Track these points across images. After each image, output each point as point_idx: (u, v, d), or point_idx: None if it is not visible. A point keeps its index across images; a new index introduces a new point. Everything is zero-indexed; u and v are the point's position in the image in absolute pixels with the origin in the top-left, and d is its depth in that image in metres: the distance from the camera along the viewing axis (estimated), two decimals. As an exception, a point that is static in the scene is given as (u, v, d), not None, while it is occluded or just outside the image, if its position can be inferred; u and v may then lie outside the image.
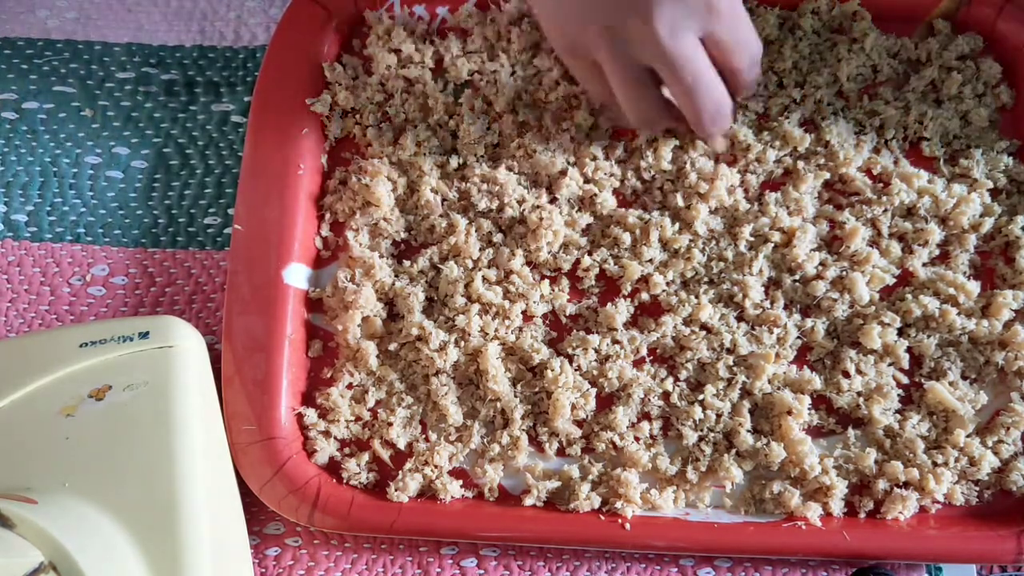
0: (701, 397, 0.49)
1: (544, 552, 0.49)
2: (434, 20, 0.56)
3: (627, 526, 0.47)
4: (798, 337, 0.50)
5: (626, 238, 0.51)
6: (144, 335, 0.47)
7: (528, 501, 0.48)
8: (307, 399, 0.50)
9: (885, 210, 0.52)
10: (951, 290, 0.50)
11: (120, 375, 0.45)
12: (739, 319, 0.51)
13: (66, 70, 0.58)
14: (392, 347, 0.50)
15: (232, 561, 0.45)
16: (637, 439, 0.49)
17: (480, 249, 0.51)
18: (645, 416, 0.50)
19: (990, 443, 0.48)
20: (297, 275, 0.51)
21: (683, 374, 0.50)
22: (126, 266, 0.55)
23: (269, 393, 0.48)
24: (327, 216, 0.53)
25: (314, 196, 0.53)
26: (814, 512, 0.47)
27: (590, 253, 0.51)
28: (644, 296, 0.51)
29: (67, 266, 0.55)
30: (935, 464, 0.48)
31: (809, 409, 0.49)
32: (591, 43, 0.47)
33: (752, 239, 0.52)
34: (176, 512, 0.41)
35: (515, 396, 0.49)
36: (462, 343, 0.50)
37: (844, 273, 0.51)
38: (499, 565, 0.49)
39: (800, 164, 0.53)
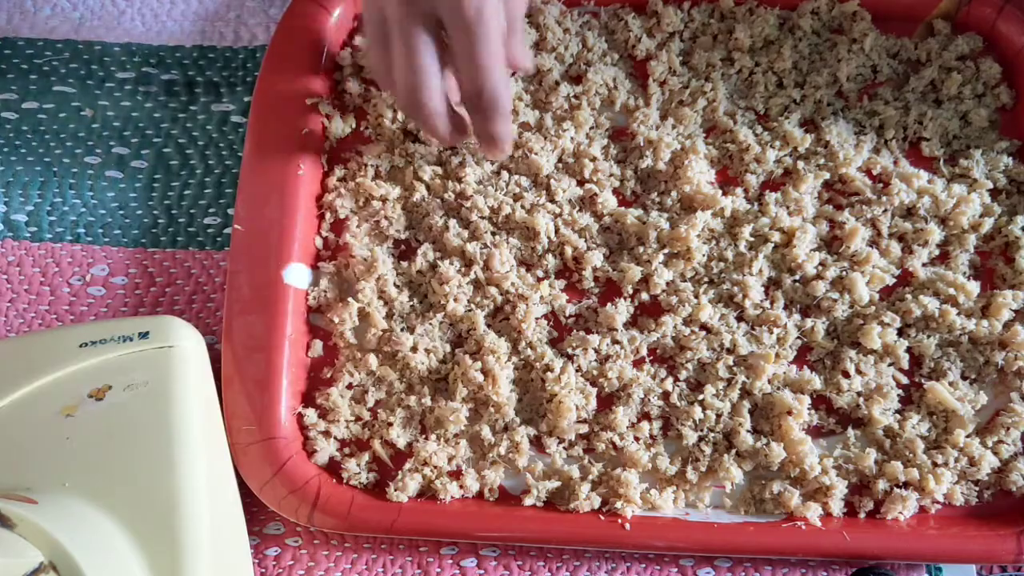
0: (701, 397, 0.49)
1: (544, 552, 0.49)
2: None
3: (627, 526, 0.47)
4: (798, 337, 0.50)
5: (625, 238, 0.52)
6: (144, 335, 0.47)
7: (528, 501, 0.48)
8: (307, 399, 0.50)
9: (885, 210, 0.52)
10: (951, 290, 0.50)
11: (120, 375, 0.45)
12: (739, 319, 0.50)
13: (66, 70, 0.58)
14: (388, 348, 0.50)
15: (232, 561, 0.45)
16: (637, 439, 0.49)
17: (478, 249, 0.51)
18: (645, 416, 0.50)
19: (990, 443, 0.48)
20: (297, 275, 0.51)
21: (683, 374, 0.50)
22: (126, 266, 0.54)
23: (269, 393, 0.48)
24: (327, 216, 0.53)
25: (314, 196, 0.53)
26: (814, 512, 0.47)
27: (589, 252, 0.51)
28: (644, 296, 0.51)
29: (67, 266, 0.55)
30: (935, 464, 0.48)
31: (809, 409, 0.49)
32: None
33: (752, 239, 0.52)
34: (176, 512, 0.41)
35: (516, 399, 0.49)
36: (461, 348, 0.50)
37: (844, 273, 0.51)
38: (499, 565, 0.49)
39: (800, 164, 0.53)
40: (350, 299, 0.51)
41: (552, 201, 0.52)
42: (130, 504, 0.41)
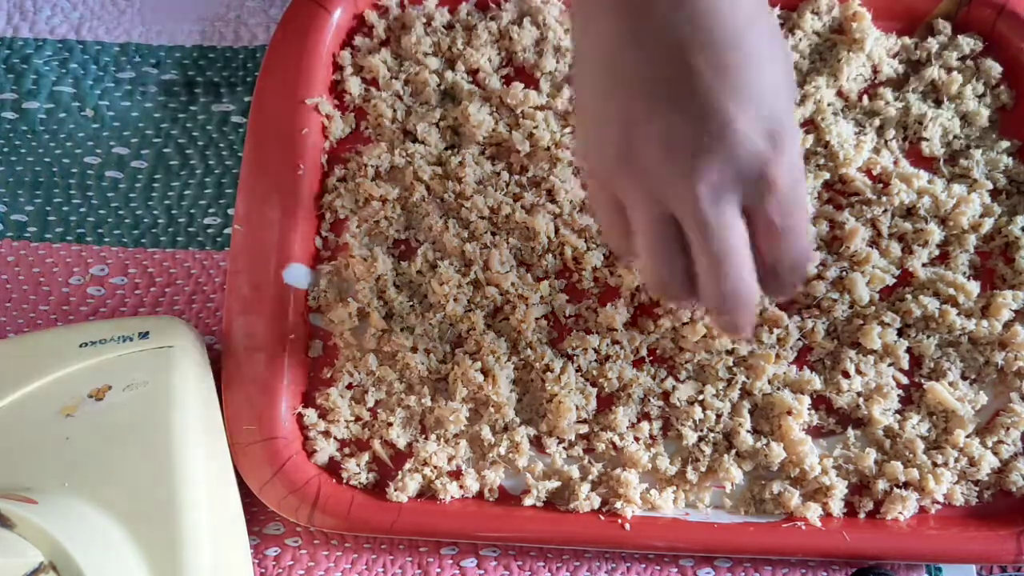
0: (701, 397, 0.49)
1: (544, 552, 0.49)
2: (432, 21, 0.56)
3: (627, 526, 0.47)
4: (799, 339, 0.50)
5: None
6: (144, 335, 0.47)
7: (528, 501, 0.48)
8: (307, 399, 0.50)
9: (885, 210, 0.52)
10: (951, 290, 0.50)
11: (120, 375, 0.45)
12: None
13: (66, 70, 0.58)
14: (388, 348, 0.50)
15: (232, 561, 0.45)
16: (637, 439, 0.49)
17: (478, 249, 0.51)
18: (645, 416, 0.50)
19: (990, 443, 0.48)
20: (297, 275, 0.51)
21: (683, 374, 0.50)
22: (125, 266, 0.54)
23: (269, 393, 0.48)
24: (327, 215, 0.53)
25: (314, 196, 0.53)
26: (814, 512, 0.47)
27: (589, 253, 0.51)
28: (643, 297, 0.51)
29: (66, 266, 0.54)
30: (935, 464, 0.48)
31: (809, 409, 0.49)
32: (622, 181, 0.40)
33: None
34: (176, 512, 0.41)
35: (516, 399, 0.49)
36: (461, 348, 0.50)
37: (844, 273, 0.51)
38: (499, 565, 0.49)
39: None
40: (349, 299, 0.51)
41: (552, 201, 0.52)
42: (130, 504, 0.41)
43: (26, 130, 0.57)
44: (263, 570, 0.49)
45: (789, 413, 0.48)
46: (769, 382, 0.49)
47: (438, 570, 0.49)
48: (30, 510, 0.38)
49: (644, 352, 0.50)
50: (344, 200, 0.53)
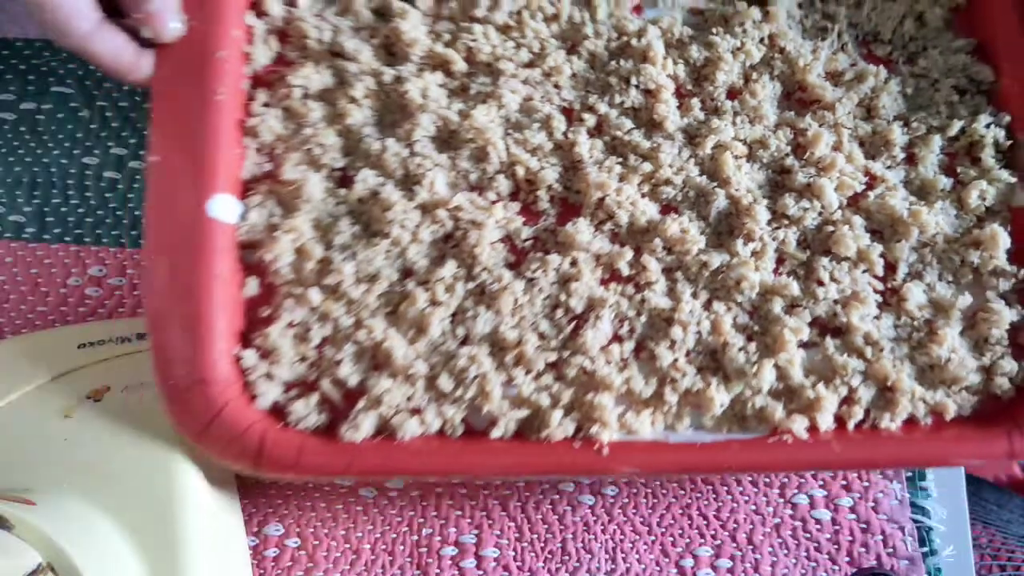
0: (676, 315, 0.45)
1: (543, 552, 0.49)
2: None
3: (604, 451, 0.43)
4: (776, 249, 0.47)
5: (581, 152, 0.48)
6: (142, 336, 0.47)
7: (495, 433, 0.44)
8: (245, 341, 0.45)
9: (848, 113, 0.49)
10: (920, 191, 0.48)
11: (118, 376, 0.45)
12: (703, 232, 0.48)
13: (64, 71, 0.56)
14: (330, 281, 0.45)
15: (231, 562, 0.45)
16: (609, 363, 0.45)
17: (424, 172, 0.47)
18: (616, 339, 0.46)
19: (973, 346, 0.46)
20: (224, 208, 0.45)
21: (656, 291, 0.46)
22: (124, 267, 0.54)
23: (199, 336, 0.43)
24: (253, 144, 0.47)
25: (238, 123, 0.47)
26: (800, 425, 0.44)
27: (542, 172, 0.48)
28: (603, 214, 0.47)
29: (64, 267, 0.54)
30: (920, 370, 0.46)
31: (808, 325, 0.46)
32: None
33: (714, 151, 0.49)
34: (175, 513, 0.42)
35: (477, 330, 0.45)
36: (411, 278, 0.46)
37: (811, 180, 0.48)
38: (498, 566, 0.49)
39: (756, 72, 0.50)
40: (282, 231, 0.46)
41: (502, 119, 0.48)
42: (129, 505, 0.41)
43: (24, 131, 0.55)
44: (262, 571, 0.49)
45: (785, 327, 0.45)
46: (758, 295, 0.46)
47: (438, 571, 0.49)
48: (28, 511, 0.38)
49: (611, 271, 0.47)
50: (271, 125, 0.47)
